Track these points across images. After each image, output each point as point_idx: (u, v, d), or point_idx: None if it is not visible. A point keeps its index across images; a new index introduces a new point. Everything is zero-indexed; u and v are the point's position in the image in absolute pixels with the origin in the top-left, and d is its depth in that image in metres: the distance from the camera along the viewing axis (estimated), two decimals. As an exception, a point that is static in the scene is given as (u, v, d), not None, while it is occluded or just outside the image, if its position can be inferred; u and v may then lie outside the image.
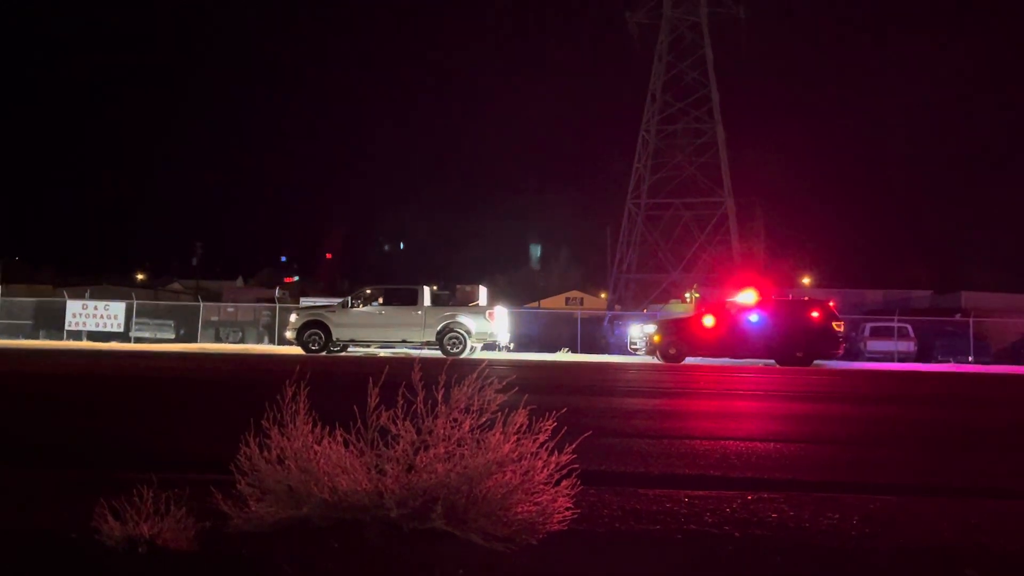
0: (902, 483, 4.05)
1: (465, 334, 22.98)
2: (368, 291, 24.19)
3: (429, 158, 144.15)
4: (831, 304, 24.57)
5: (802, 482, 4.03)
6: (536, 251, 70.81)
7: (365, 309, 23.54)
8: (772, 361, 23.51)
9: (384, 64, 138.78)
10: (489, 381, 2.97)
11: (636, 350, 27.53)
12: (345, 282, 70.26)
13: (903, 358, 32.90)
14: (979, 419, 8.31)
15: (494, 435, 2.82)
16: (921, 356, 33.62)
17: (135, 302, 36.84)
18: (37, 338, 35.35)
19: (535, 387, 9.93)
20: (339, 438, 2.88)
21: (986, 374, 21.72)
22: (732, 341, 23.50)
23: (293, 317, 24.23)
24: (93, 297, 37.61)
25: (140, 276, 77.34)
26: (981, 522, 3.18)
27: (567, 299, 74.21)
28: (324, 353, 22.99)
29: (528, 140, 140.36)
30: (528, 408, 2.90)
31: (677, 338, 23.82)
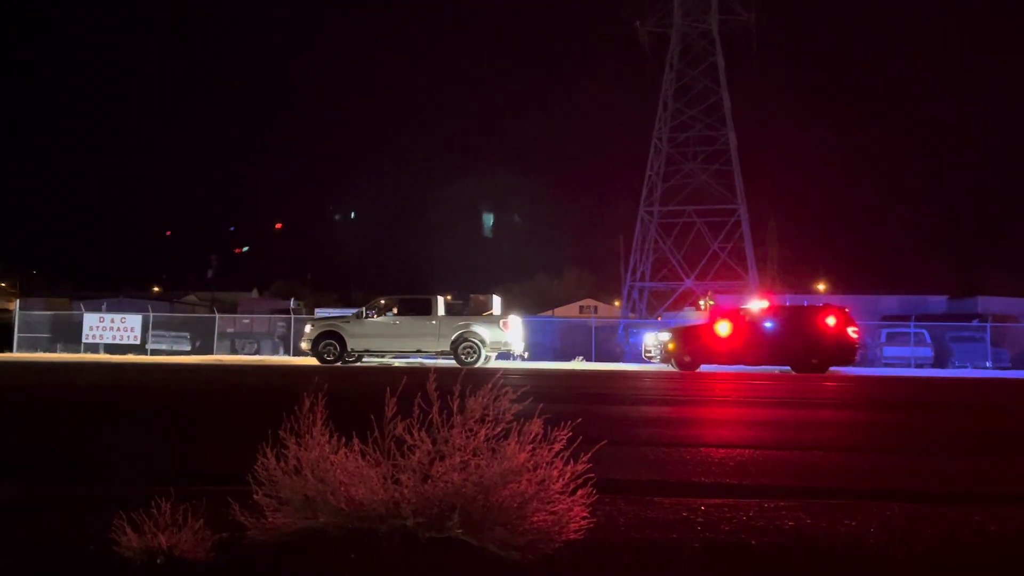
0: (920, 490, 4.02)
1: (479, 343, 22.98)
2: (382, 301, 24.25)
3: (440, 167, 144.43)
4: (846, 310, 24.43)
5: (819, 489, 4.01)
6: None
7: (379, 320, 23.59)
8: (788, 368, 23.39)
9: (394, 74, 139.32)
10: (504, 390, 2.98)
11: (651, 358, 27.42)
12: (355, 291, 70.41)
13: (920, 364, 32.65)
14: (998, 425, 8.24)
15: (509, 445, 2.83)
16: (938, 362, 33.36)
17: (151, 314, 37.03)
18: (54, 351, 35.55)
19: (550, 396, 9.92)
20: (356, 448, 2.89)
21: (1006, 380, 21.54)
22: (747, 348, 23.37)
23: (308, 328, 24.30)
24: (110, 310, 37.83)
25: (156, 289, 77.76)
26: (1001, 529, 3.15)
27: (581, 307, 74.13)
28: (339, 364, 23.04)
29: (539, 149, 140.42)
30: (543, 417, 2.90)
31: (692, 346, 23.72)
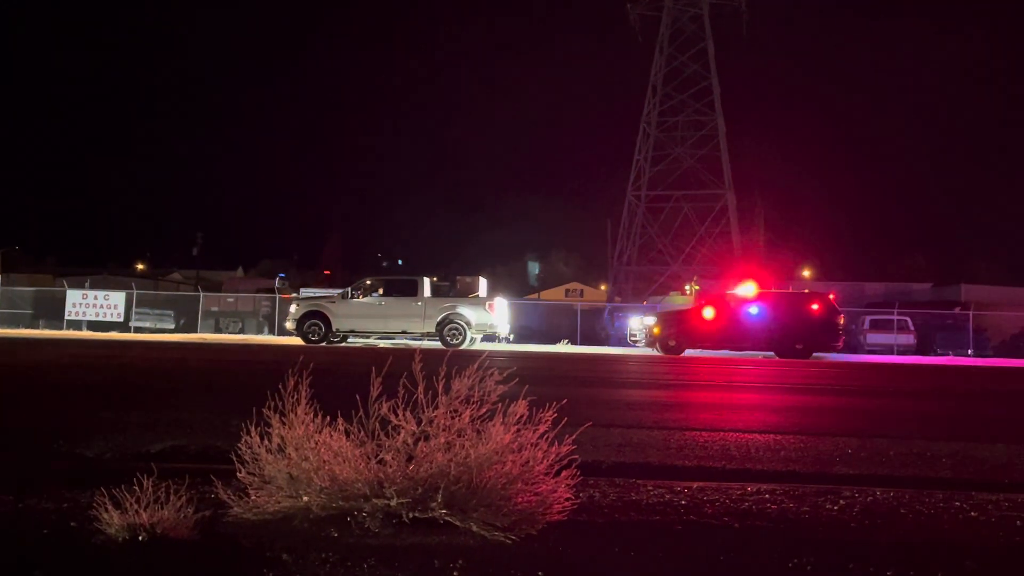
0: (902, 475, 4.05)
1: (465, 325, 22.96)
2: (368, 282, 24.18)
3: (430, 148, 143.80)
4: (831, 296, 24.54)
5: (801, 474, 4.04)
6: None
7: (365, 300, 23.52)
8: (772, 353, 23.50)
9: (386, 53, 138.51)
10: (489, 372, 2.97)
11: (636, 342, 27.53)
12: (342, 271, 70.17)
13: (903, 351, 32.89)
14: (978, 412, 8.31)
15: (494, 426, 2.83)
16: (921, 349, 33.61)
17: (135, 292, 36.83)
18: (37, 327, 35.32)
19: (535, 378, 9.93)
20: (340, 428, 2.88)
21: (985, 367, 21.73)
22: (732, 333, 23.46)
23: (293, 308, 24.19)
24: (93, 287, 37.59)
25: (140, 266, 77.19)
26: (981, 515, 3.18)
27: (567, 291, 74.22)
28: (324, 344, 22.98)
29: (529, 131, 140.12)
30: (528, 399, 2.90)
31: (677, 330, 23.80)
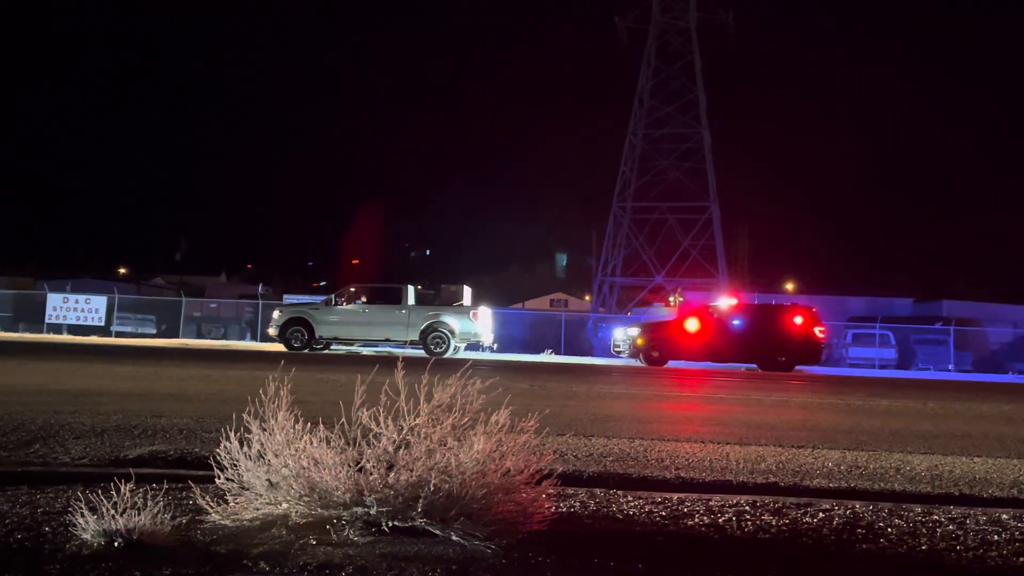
0: (882, 490, 4.07)
1: (449, 334, 22.92)
2: (352, 289, 24.11)
3: (416, 159, 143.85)
4: (814, 310, 24.69)
5: (782, 487, 4.04)
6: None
7: (349, 307, 23.45)
8: (754, 366, 23.59)
9: (374, 61, 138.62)
10: (472, 381, 2.97)
11: (619, 352, 27.54)
12: (325, 278, 69.94)
13: (884, 365, 33.10)
14: (958, 426, 8.36)
15: (476, 435, 2.82)
16: (902, 363, 33.85)
17: (117, 296, 36.57)
18: (16, 331, 35.03)
19: (517, 388, 9.94)
20: (321, 435, 2.87)
21: (966, 382, 21.88)
22: (715, 345, 23.54)
23: (276, 314, 24.08)
24: (74, 291, 37.35)
25: (123, 270, 76.73)
26: (958, 529, 3.20)
27: (551, 300, 74.33)
28: (307, 351, 22.88)
29: (515, 141, 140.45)
30: (510, 408, 2.90)
31: (660, 341, 23.85)
